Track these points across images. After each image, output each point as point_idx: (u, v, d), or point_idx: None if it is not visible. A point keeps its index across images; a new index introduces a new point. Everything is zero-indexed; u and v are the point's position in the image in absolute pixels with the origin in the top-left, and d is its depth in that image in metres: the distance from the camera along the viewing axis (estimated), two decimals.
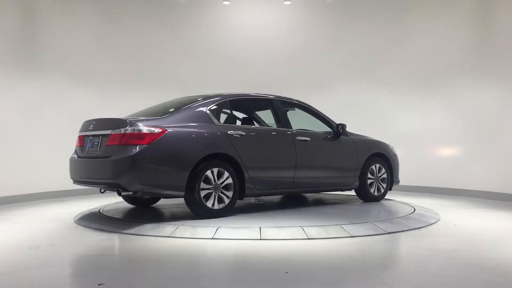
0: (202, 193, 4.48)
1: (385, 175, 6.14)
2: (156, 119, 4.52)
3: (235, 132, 4.81)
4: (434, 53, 7.81)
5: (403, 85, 8.16)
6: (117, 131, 4.39)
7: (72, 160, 4.96)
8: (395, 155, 6.36)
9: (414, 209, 5.32)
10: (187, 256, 3.39)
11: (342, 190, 6.05)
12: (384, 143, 6.29)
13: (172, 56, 8.35)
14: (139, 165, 4.21)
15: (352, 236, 3.98)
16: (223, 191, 4.63)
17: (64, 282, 2.82)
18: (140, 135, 4.27)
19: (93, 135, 4.70)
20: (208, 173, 4.50)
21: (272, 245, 3.70)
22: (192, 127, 4.57)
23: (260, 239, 3.84)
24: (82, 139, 4.92)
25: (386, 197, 6.29)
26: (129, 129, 4.31)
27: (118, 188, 4.30)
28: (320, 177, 5.55)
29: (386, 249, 3.73)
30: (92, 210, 5.32)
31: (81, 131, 4.97)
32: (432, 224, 4.68)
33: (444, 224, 4.74)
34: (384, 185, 6.15)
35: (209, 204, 4.52)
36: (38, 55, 6.97)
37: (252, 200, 6.09)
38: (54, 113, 7.09)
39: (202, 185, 4.47)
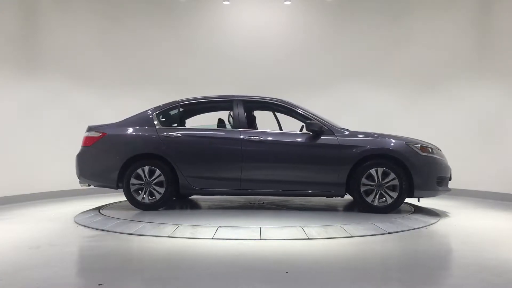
0: (133, 188, 5.08)
1: (396, 182, 4.89)
2: (110, 124, 5.37)
3: (171, 134, 5.15)
4: (434, 53, 7.81)
5: (403, 85, 8.15)
6: (84, 135, 5.40)
7: None
8: (427, 157, 5.00)
9: (414, 209, 5.32)
10: (187, 256, 3.39)
11: (322, 196, 5.29)
12: (401, 142, 5.01)
13: (172, 56, 8.34)
14: (81, 163, 5.30)
15: (352, 236, 3.98)
16: (155, 187, 5.09)
17: (64, 282, 2.82)
18: (88, 138, 5.29)
19: None
20: (139, 170, 5.08)
21: (272, 245, 3.70)
22: (130, 131, 5.26)
23: (260, 239, 3.85)
24: None
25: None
26: (86, 133, 5.33)
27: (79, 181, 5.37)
28: (279, 180, 5.05)
29: (386, 249, 3.73)
30: (92, 210, 5.32)
31: None
32: (432, 224, 4.68)
33: (444, 224, 4.74)
34: (394, 194, 4.91)
35: (139, 198, 5.09)
36: (38, 55, 6.97)
37: (252, 200, 6.09)
38: (54, 113, 7.09)
39: (134, 181, 5.09)
